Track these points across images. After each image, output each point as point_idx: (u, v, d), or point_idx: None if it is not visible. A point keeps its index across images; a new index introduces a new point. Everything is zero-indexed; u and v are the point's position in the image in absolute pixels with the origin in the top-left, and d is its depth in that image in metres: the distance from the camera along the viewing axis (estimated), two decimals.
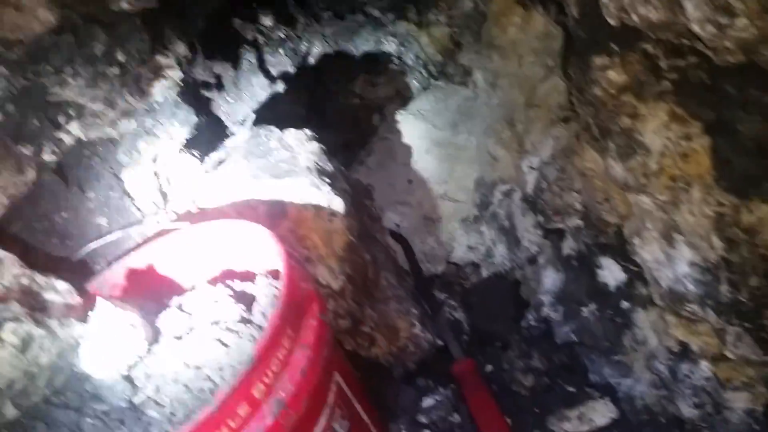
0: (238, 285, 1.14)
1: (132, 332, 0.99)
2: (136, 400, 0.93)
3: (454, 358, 1.47)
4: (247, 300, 1.10)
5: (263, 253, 1.15)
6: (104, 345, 0.98)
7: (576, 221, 1.58)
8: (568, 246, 1.64)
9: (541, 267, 1.78)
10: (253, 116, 1.87)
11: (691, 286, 1.11)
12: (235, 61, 2.02)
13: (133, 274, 1.23)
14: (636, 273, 1.37)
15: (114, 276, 1.22)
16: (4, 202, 1.05)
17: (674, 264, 1.15)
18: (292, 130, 1.51)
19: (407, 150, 2.33)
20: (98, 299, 1.03)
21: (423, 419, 1.32)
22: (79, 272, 1.27)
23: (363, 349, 1.43)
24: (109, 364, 0.96)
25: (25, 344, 0.93)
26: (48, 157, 1.14)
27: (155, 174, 1.46)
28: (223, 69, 1.95)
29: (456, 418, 1.32)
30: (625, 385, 1.41)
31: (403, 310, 1.48)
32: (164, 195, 1.49)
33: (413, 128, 2.39)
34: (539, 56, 1.82)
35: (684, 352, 1.23)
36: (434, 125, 2.38)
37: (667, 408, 1.25)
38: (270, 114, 2.13)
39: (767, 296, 0.98)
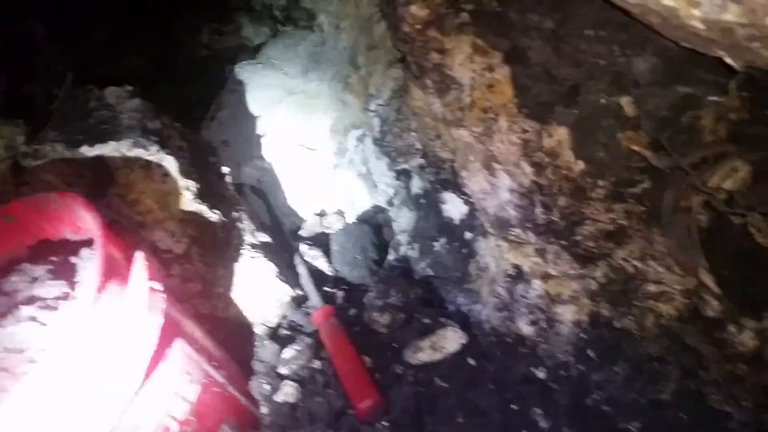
0: (59, 258, 1.06)
1: None
2: None
3: (313, 306, 1.48)
4: (68, 273, 1.03)
5: (81, 222, 1.08)
6: None
7: (418, 160, 1.61)
8: (416, 185, 1.68)
9: (396, 208, 1.82)
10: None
11: (512, 212, 1.17)
12: None
13: None
14: (473, 204, 1.43)
15: None
16: None
17: (497, 192, 1.21)
18: (112, 87, 1.40)
19: (260, 101, 2.25)
20: None
21: (284, 370, 1.33)
22: None
23: (219, 311, 1.40)
24: None
25: None
26: None
27: None
28: None
29: (317, 364, 1.34)
30: (475, 311, 1.49)
31: (255, 265, 1.46)
32: None
33: (264, 78, 2.31)
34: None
35: (518, 274, 1.31)
36: (285, 73, 2.31)
37: (510, 328, 1.33)
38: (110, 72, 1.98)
39: (575, 214, 1.06)
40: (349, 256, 1.75)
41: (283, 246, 1.74)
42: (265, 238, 1.62)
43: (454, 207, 1.54)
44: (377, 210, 2.00)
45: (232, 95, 2.30)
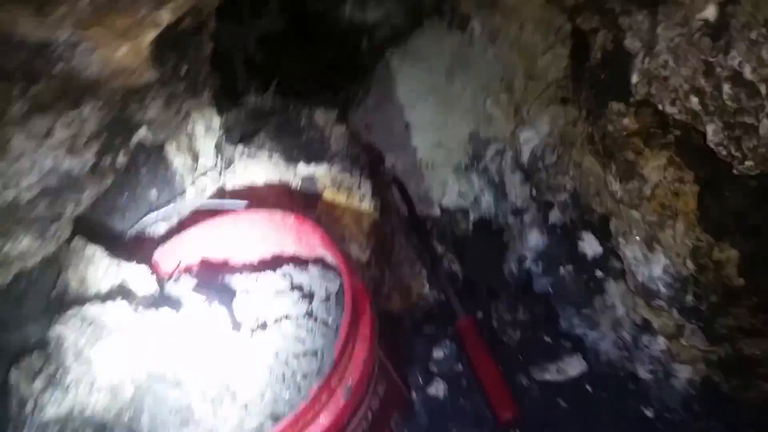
0: (293, 273, 1.34)
1: (220, 320, 1.20)
2: (231, 381, 1.16)
3: (456, 314, 1.74)
4: (303, 289, 1.31)
5: (310, 242, 1.34)
6: (199, 338, 1.19)
7: (564, 197, 1.81)
8: (555, 215, 1.89)
9: (526, 225, 2.03)
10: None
11: (662, 288, 1.39)
12: None
13: (187, 251, 1.41)
14: (612, 250, 1.64)
15: (171, 252, 1.39)
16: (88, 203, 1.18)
17: (650, 265, 1.42)
18: (321, 109, 1.63)
19: (405, 94, 2.44)
20: (188, 293, 1.22)
21: (434, 368, 1.62)
22: (135, 246, 1.43)
23: (380, 307, 1.68)
24: (203, 348, 1.18)
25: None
26: (121, 160, 1.26)
27: (191, 150, 1.58)
28: None
29: (459, 367, 1.62)
30: (591, 338, 1.74)
31: (414, 271, 1.72)
32: (200, 170, 1.62)
33: (411, 69, 2.48)
34: (540, 28, 1.94)
35: (646, 326, 1.54)
36: (430, 69, 2.48)
37: (626, 367, 1.58)
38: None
39: (721, 309, 1.27)
40: (478, 260, 2.00)
41: (420, 238, 1.98)
42: (413, 242, 1.87)
43: (589, 246, 1.75)
44: (500, 214, 2.21)
45: (379, 85, 2.50)
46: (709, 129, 0.95)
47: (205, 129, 1.63)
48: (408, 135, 2.41)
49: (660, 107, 1.06)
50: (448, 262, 1.98)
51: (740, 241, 1.14)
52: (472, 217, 2.27)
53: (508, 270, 2.03)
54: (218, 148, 1.68)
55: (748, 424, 1.36)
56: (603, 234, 1.66)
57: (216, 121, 1.69)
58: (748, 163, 0.89)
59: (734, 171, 0.94)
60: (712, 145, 0.95)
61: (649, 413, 1.51)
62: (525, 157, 1.96)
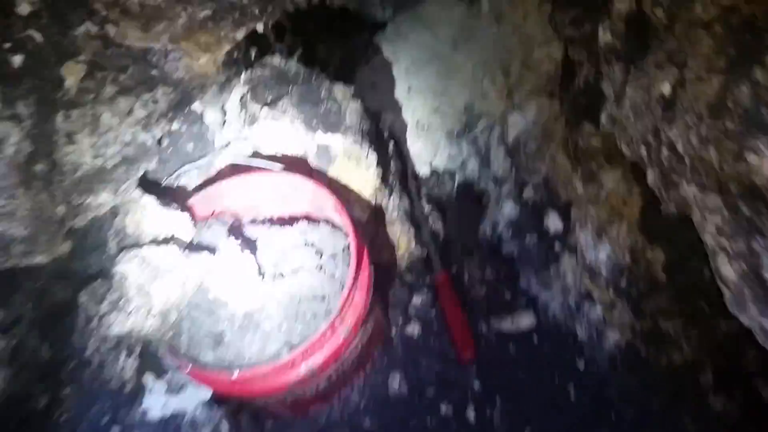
0: (307, 230, 1.63)
1: (249, 267, 1.50)
2: (255, 315, 1.47)
3: (434, 268, 2.06)
4: (314, 245, 1.60)
5: (323, 205, 1.62)
6: (231, 275, 1.48)
7: (538, 180, 2.10)
8: (528, 192, 2.18)
9: (503, 195, 2.33)
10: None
11: (604, 270, 1.72)
12: None
13: (218, 201, 1.68)
14: (570, 231, 1.96)
15: (204, 200, 1.66)
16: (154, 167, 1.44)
17: (597, 251, 1.74)
18: (340, 85, 1.86)
19: (410, 58, 2.65)
20: (224, 240, 1.50)
21: (412, 312, 1.96)
22: (171, 194, 1.69)
23: (372, 258, 1.99)
24: (235, 288, 1.48)
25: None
26: (175, 126, 1.50)
27: (224, 110, 1.81)
28: None
29: (433, 313, 1.96)
30: (543, 298, 2.08)
31: (404, 229, 2.02)
32: (227, 125, 1.85)
33: (419, 35, 2.68)
34: (540, 23, 2.16)
35: (588, 296, 1.88)
36: (437, 36, 2.67)
37: (569, 326, 1.93)
38: None
39: (646, 294, 1.60)
40: (460, 224, 2.30)
41: (413, 203, 2.28)
42: (405, 201, 2.16)
43: (553, 223, 2.07)
44: (482, 178, 2.50)
45: (389, 45, 2.69)
46: (649, 173, 1.23)
47: (235, 73, 1.85)
48: (410, 97, 2.64)
49: (618, 144, 1.33)
50: (432, 220, 2.27)
51: (665, 250, 1.46)
52: (457, 179, 2.55)
53: (483, 232, 2.34)
54: (243, 103, 1.91)
55: (658, 383, 1.73)
56: (565, 216, 1.97)
57: (242, 75, 1.90)
58: (671, 206, 1.17)
59: (661, 208, 1.23)
60: (650, 184, 1.24)
61: (581, 366, 1.87)
62: (510, 138, 2.23)
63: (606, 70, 1.31)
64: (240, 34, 1.18)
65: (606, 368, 1.83)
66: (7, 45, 0.94)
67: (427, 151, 2.61)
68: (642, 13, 1.23)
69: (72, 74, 1.10)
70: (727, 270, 1.04)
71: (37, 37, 0.97)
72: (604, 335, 1.83)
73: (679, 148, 1.08)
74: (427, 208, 2.32)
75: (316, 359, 1.41)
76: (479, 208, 2.40)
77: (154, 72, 1.16)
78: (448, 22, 2.69)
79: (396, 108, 2.62)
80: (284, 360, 1.32)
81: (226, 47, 1.20)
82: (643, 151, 1.19)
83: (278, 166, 1.70)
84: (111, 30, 1.07)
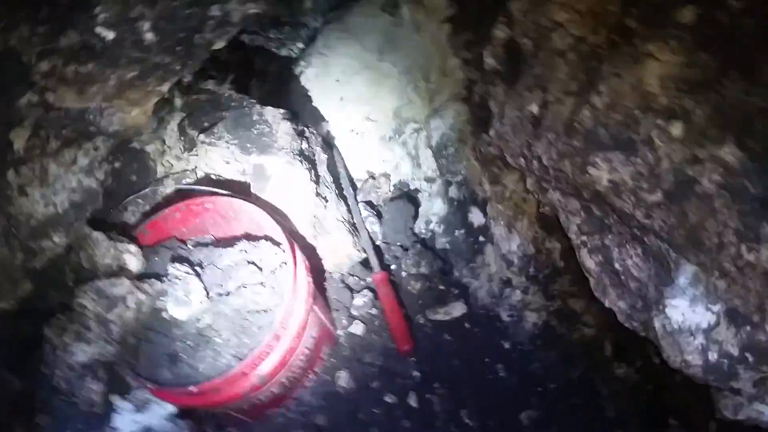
0: (248, 248, 1.79)
1: (196, 287, 1.66)
2: (205, 332, 1.64)
3: (373, 268, 2.25)
4: (255, 263, 1.77)
5: (261, 224, 1.79)
6: (180, 297, 1.64)
7: (459, 179, 2.31)
8: (453, 191, 2.40)
9: (433, 194, 2.53)
10: None
11: (515, 259, 1.95)
12: None
13: (161, 227, 1.82)
14: (489, 225, 2.18)
15: (150, 228, 1.80)
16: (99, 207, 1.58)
17: (509, 242, 1.96)
18: (269, 107, 2.03)
19: (340, 68, 2.81)
20: (171, 265, 1.66)
21: (355, 312, 2.15)
22: (120, 226, 1.83)
23: (314, 266, 2.17)
24: (185, 309, 1.64)
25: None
26: (117, 165, 1.65)
27: (164, 142, 1.96)
28: None
29: (374, 311, 2.16)
30: (473, 287, 2.30)
31: (342, 237, 2.21)
32: (166, 152, 2.00)
33: (346, 47, 2.84)
34: (451, 36, 2.35)
35: (509, 282, 2.10)
36: (363, 45, 2.84)
37: (495, 310, 2.16)
38: None
39: (551, 278, 1.84)
40: (395, 224, 2.50)
41: (351, 208, 2.46)
42: (342, 206, 2.34)
43: (476, 218, 2.29)
44: (415, 179, 2.70)
45: (319, 58, 2.85)
46: (528, 180, 1.44)
47: (168, 112, 1.99)
48: (342, 106, 2.80)
49: (504, 155, 1.54)
50: (369, 223, 2.46)
51: (559, 240, 1.68)
52: (392, 180, 2.75)
53: (418, 229, 2.54)
54: (181, 130, 2.06)
55: (574, 356, 1.97)
56: (484, 211, 2.19)
57: (178, 102, 2.05)
58: (546, 208, 1.39)
59: (540, 210, 1.45)
60: (530, 189, 1.46)
61: (507, 345, 2.10)
62: (434, 141, 2.43)
63: (491, 90, 1.52)
64: (165, 87, 1.34)
65: (529, 346, 2.06)
66: None
67: (362, 156, 2.78)
68: (515, 41, 1.44)
69: (19, 138, 1.24)
70: (588, 262, 1.26)
71: None
72: (524, 317, 2.06)
73: (544, 160, 1.29)
74: (364, 212, 2.50)
75: (265, 367, 1.58)
76: (413, 207, 2.60)
77: (92, 128, 1.31)
78: (374, 32, 2.85)
79: (331, 117, 2.78)
80: (234, 371, 1.49)
81: (154, 99, 1.35)
82: (522, 162, 1.40)
83: (218, 189, 1.86)
84: (50, 96, 1.21)
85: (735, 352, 1.02)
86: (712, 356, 1.04)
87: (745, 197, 0.95)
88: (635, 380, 1.77)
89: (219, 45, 1.42)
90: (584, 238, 1.26)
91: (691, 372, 1.09)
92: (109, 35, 1.16)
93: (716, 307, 1.04)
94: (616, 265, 1.20)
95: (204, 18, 1.28)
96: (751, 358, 1.00)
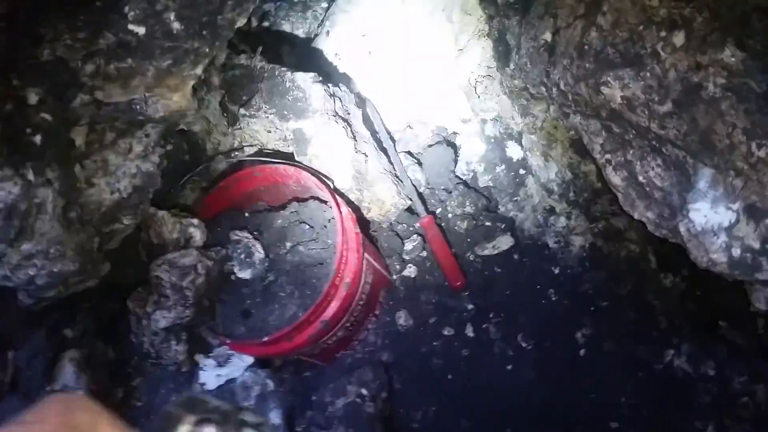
0: (298, 209, 1.92)
1: (257, 249, 1.81)
2: (270, 288, 1.79)
3: (419, 214, 2.35)
4: (306, 222, 1.90)
5: (307, 185, 1.91)
6: (244, 259, 1.80)
7: (493, 115, 2.35)
8: (489, 128, 2.44)
9: (470, 135, 2.58)
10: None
11: (555, 187, 1.99)
12: None
13: (222, 200, 1.98)
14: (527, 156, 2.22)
15: (211, 201, 1.96)
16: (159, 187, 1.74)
17: (547, 171, 2.01)
18: (301, 73, 2.12)
19: (365, 21, 2.85)
20: (232, 232, 1.81)
21: (406, 257, 2.27)
22: (180, 201, 1.99)
23: (362, 217, 2.29)
24: (249, 270, 1.80)
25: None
26: (169, 147, 1.79)
27: (209, 120, 2.09)
28: None
29: (424, 254, 2.27)
30: (518, 219, 2.36)
31: (386, 188, 2.30)
32: (223, 135, 2.14)
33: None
34: None
35: (552, 210, 2.16)
36: None
37: (541, 239, 2.22)
38: None
39: (591, 200, 1.88)
40: (436, 168, 2.57)
41: (392, 159, 2.54)
42: (383, 158, 2.43)
43: (514, 152, 2.33)
44: (453, 132, 2.74)
45: (342, 15, 2.89)
46: (551, 107, 1.49)
47: (207, 92, 2.12)
48: (371, 59, 2.85)
49: (526, 86, 1.58)
50: (411, 171, 2.55)
51: (594, 162, 1.72)
52: (430, 126, 2.80)
53: (459, 171, 2.60)
54: (223, 107, 2.18)
55: (621, 272, 2.02)
56: (521, 144, 2.23)
57: (215, 80, 2.17)
58: (572, 132, 1.43)
59: (569, 134, 1.49)
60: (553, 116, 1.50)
61: (556, 270, 2.17)
62: (463, 82, 2.46)
63: (506, 23, 1.55)
64: (199, 70, 1.44)
65: (577, 268, 2.12)
66: (29, 130, 1.23)
67: (397, 106, 2.84)
68: None
69: (79, 135, 1.39)
70: (614, 178, 1.32)
71: (48, 117, 1.26)
72: (570, 241, 2.12)
73: (562, 86, 1.33)
74: (405, 161, 2.58)
75: (327, 314, 1.73)
76: (452, 150, 2.66)
77: (140, 117, 1.44)
78: None
79: (362, 72, 2.85)
80: (300, 320, 1.64)
81: (191, 83, 1.46)
82: (543, 90, 1.45)
83: (263, 158, 1.99)
84: (99, 94, 1.34)
85: (756, 245, 1.06)
86: (736, 252, 1.09)
87: (749, 96, 0.98)
88: (682, 288, 1.82)
89: (241, 21, 1.51)
90: (608, 156, 1.31)
91: (718, 270, 1.14)
92: (141, 30, 1.27)
93: (735, 206, 1.08)
94: (640, 178, 1.25)
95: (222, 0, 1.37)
96: None
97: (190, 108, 1.53)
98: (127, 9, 1.25)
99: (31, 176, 1.24)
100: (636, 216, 1.32)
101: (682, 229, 1.17)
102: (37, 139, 1.25)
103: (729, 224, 1.09)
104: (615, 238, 1.99)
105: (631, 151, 1.25)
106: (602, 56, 1.19)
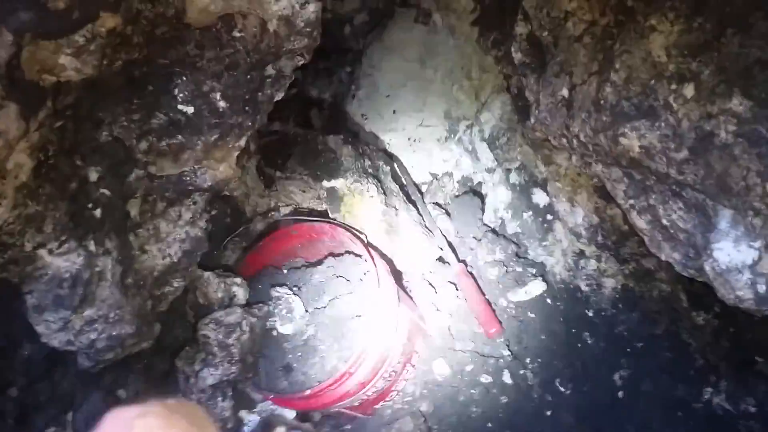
0: (334, 264, 2.01)
1: (297, 305, 1.89)
2: (310, 342, 1.86)
3: (450, 263, 2.41)
4: (342, 276, 1.97)
5: (341, 240, 1.99)
6: (285, 315, 1.88)
7: (517, 165, 2.43)
8: (513, 177, 2.52)
9: (495, 183, 2.66)
10: None
11: (583, 231, 2.05)
12: None
13: (259, 257, 2.07)
14: (553, 202, 2.28)
15: (251, 261, 2.06)
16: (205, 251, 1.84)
17: (574, 216, 2.07)
18: (332, 136, 2.24)
19: (388, 84, 3.00)
20: (272, 289, 1.90)
21: (440, 306, 2.32)
22: (223, 262, 2.09)
23: (394, 266, 2.36)
24: (290, 325, 1.87)
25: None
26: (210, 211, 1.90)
27: (247, 184, 2.21)
28: None
29: (458, 302, 2.32)
30: (548, 264, 2.41)
31: (417, 239, 2.38)
32: (260, 197, 2.25)
33: (390, 62, 3.03)
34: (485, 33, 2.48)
35: (582, 254, 2.20)
36: (405, 58, 3.02)
37: (573, 282, 2.26)
38: None
39: (620, 243, 1.93)
40: (465, 217, 2.64)
41: (421, 211, 2.63)
42: (412, 210, 2.52)
43: (540, 198, 2.40)
44: (476, 172, 2.84)
45: (367, 78, 3.05)
46: (573, 157, 1.56)
47: (247, 159, 2.25)
48: (396, 118, 2.99)
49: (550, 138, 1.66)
50: (441, 222, 2.62)
51: (617, 206, 1.78)
52: (455, 177, 2.90)
53: (487, 219, 2.67)
54: (260, 171, 2.31)
55: (654, 312, 2.05)
56: (546, 191, 2.30)
57: (252, 147, 2.30)
58: (595, 180, 1.50)
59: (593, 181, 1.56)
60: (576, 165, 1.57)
61: (590, 313, 2.19)
62: (487, 134, 2.57)
63: (524, 81, 1.65)
64: (242, 141, 1.57)
65: (611, 310, 2.15)
66: (90, 204, 1.35)
67: (423, 161, 2.95)
68: (535, 35, 1.57)
69: (133, 207, 1.50)
70: (639, 222, 1.37)
71: (107, 192, 1.37)
72: (601, 283, 2.15)
73: (582, 138, 1.41)
74: (433, 212, 2.67)
75: (366, 366, 1.78)
76: (479, 199, 2.74)
77: (190, 187, 1.56)
78: (412, 43, 3.02)
79: (387, 131, 2.98)
80: (340, 372, 1.70)
81: (235, 153, 1.58)
82: (564, 142, 1.53)
83: (299, 217, 2.09)
84: (152, 168, 1.46)
85: None
86: (761, 288, 1.13)
87: (760, 141, 1.04)
88: (715, 325, 1.83)
89: (279, 96, 1.63)
90: (632, 201, 1.37)
91: (745, 306, 1.18)
92: (190, 109, 1.40)
93: (757, 243, 1.13)
94: (664, 221, 1.30)
95: (262, 78, 1.50)
96: None
97: (235, 176, 1.64)
98: (176, 91, 1.38)
99: (92, 247, 1.35)
100: (663, 257, 1.37)
101: (707, 268, 1.22)
102: (98, 212, 1.36)
103: (752, 262, 1.14)
104: (646, 278, 2.02)
105: (653, 196, 1.31)
106: (618, 109, 1.27)
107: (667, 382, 1.87)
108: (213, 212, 1.89)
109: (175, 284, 1.71)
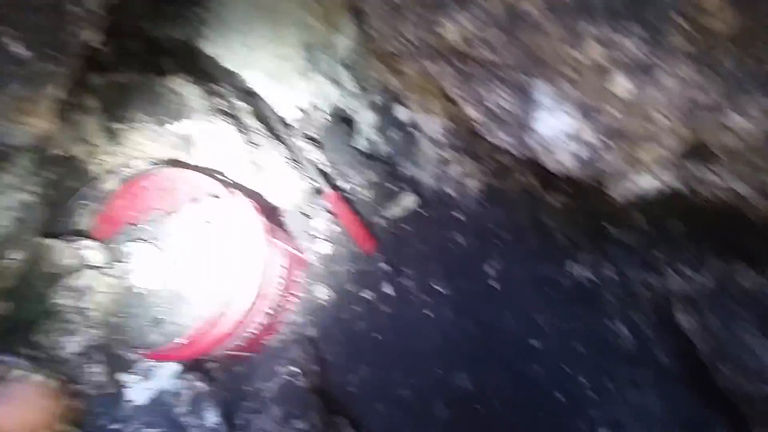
0: (196, 210, 1.92)
1: (157, 257, 1.80)
2: (178, 291, 1.79)
3: (323, 190, 2.39)
4: (208, 221, 1.90)
5: (201, 185, 1.91)
6: (145, 269, 1.79)
7: (375, 83, 2.41)
8: (375, 97, 2.49)
9: (360, 107, 2.63)
10: None
11: (440, 137, 2.07)
12: None
13: (113, 216, 1.95)
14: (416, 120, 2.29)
15: (101, 220, 1.93)
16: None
17: (432, 124, 2.08)
18: (170, 77, 2.11)
19: (239, 20, 2.85)
20: (130, 245, 1.79)
21: (317, 234, 2.30)
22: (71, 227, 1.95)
23: (265, 205, 2.31)
24: (152, 279, 1.79)
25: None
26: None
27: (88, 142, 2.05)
28: None
29: (335, 228, 2.31)
30: (419, 176, 2.43)
31: (287, 173, 2.33)
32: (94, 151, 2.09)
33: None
34: None
35: (444, 160, 2.23)
36: None
37: (443, 190, 2.30)
38: None
39: (476, 141, 1.96)
40: (335, 145, 2.61)
41: (288, 145, 2.56)
42: (281, 146, 2.45)
43: (402, 113, 2.40)
44: (343, 101, 2.79)
45: (216, 17, 2.87)
46: (414, 64, 1.56)
47: (82, 113, 2.07)
48: (251, 53, 2.85)
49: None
50: (313, 153, 2.58)
51: None
52: (322, 107, 2.84)
53: (358, 144, 2.66)
54: (102, 127, 2.14)
55: (517, 203, 2.12)
56: (405, 105, 2.30)
57: (90, 102, 2.12)
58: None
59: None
60: None
61: (460, 215, 2.25)
62: (343, 57, 2.51)
63: None
64: (58, 92, 1.42)
65: (478, 209, 2.22)
66: None
67: (287, 95, 2.86)
68: None
69: None
70: (470, 111, 1.39)
71: None
72: (466, 185, 2.20)
73: (410, 37, 1.39)
74: (305, 144, 2.61)
75: (243, 303, 1.74)
76: (347, 125, 2.70)
77: (1, 147, 1.41)
78: None
79: (244, 68, 2.85)
80: (214, 313, 1.65)
81: (50, 105, 1.44)
82: (399, 46, 1.50)
83: (154, 167, 1.97)
84: None
85: (596, 141, 1.16)
86: (582, 152, 1.19)
87: (564, 9, 1.06)
88: (573, 206, 1.94)
89: (91, 38, 1.49)
90: (459, 92, 1.38)
91: (572, 174, 1.23)
92: None
93: (572, 110, 1.17)
94: (491, 105, 1.32)
95: (62, 17, 1.36)
96: (609, 141, 1.14)
97: (53, 130, 1.50)
98: None
99: None
100: (497, 142, 1.40)
101: (533, 144, 1.26)
102: None
103: (569, 127, 1.18)
104: (504, 173, 2.09)
105: (477, 82, 1.32)
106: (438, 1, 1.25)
107: (533, 264, 1.97)
108: (49, 175, 1.74)
109: (14, 255, 1.57)
